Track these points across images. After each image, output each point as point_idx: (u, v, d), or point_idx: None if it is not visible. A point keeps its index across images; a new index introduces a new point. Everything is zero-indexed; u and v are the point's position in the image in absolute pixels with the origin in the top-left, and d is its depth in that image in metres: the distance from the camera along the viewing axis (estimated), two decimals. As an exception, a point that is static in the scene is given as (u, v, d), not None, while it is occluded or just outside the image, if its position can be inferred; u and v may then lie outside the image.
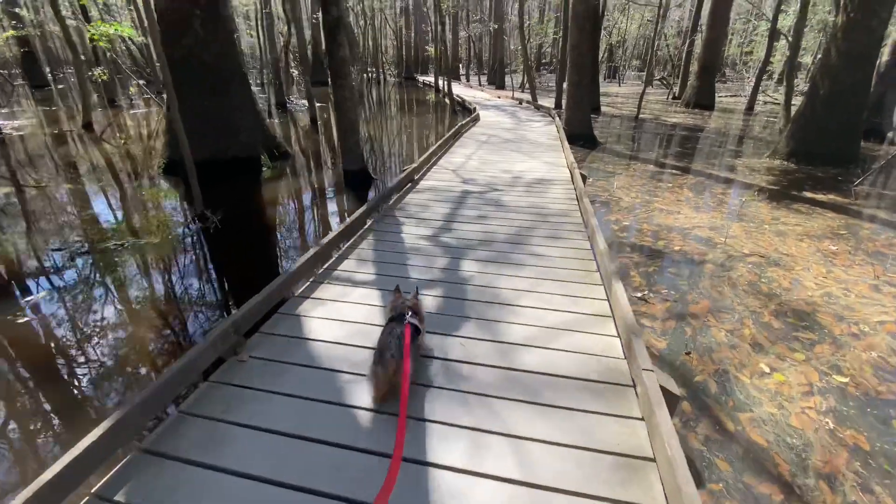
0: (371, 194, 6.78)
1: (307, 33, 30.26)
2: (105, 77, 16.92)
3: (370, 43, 35.72)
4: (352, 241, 4.00)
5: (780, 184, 7.35)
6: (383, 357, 1.86)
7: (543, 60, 42.39)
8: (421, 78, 35.47)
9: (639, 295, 3.75)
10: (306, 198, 6.85)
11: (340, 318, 2.70)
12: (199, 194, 5.58)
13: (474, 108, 14.89)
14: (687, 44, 20.70)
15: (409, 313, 2.09)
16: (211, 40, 7.54)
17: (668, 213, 5.85)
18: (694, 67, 18.46)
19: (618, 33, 30.85)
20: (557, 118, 11.87)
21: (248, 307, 2.49)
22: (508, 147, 8.70)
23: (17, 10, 20.53)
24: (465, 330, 2.55)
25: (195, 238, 5.14)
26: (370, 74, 35.96)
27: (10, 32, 17.12)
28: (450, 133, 9.28)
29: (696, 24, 20.23)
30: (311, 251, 3.32)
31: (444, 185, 5.99)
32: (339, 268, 3.45)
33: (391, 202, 5.22)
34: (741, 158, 9.23)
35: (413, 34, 40.52)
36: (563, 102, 10.55)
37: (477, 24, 33.43)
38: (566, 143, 8.31)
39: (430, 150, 7.44)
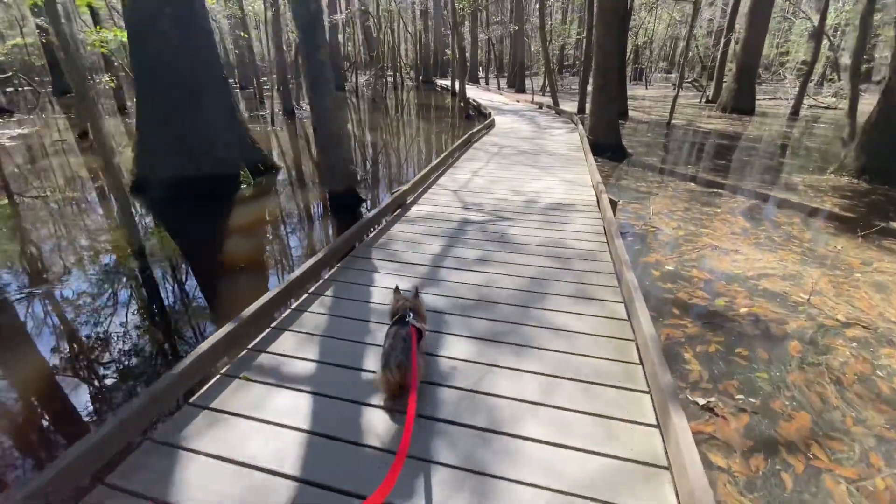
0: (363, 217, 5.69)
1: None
2: (113, 84, 16.41)
3: (387, 46, 34.91)
4: (299, 301, 2.90)
5: (856, 209, 5.95)
6: (389, 362, 1.86)
7: (566, 62, 40.83)
8: (439, 82, 34.46)
9: (701, 402, 2.52)
10: (273, 228, 5.77)
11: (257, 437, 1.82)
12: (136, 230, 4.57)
13: (489, 114, 13.72)
14: (722, 44, 19.05)
15: (411, 315, 2.07)
16: (183, 42, 6.58)
17: (721, 251, 4.56)
18: (730, 69, 16.86)
19: (644, 34, 29.17)
20: (580, 125, 10.59)
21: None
22: (524, 160, 7.51)
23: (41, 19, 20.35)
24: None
25: (119, 283, 4.12)
26: (388, 78, 35.13)
27: (18, 40, 16.73)
28: (457, 143, 8.14)
29: (731, 23, 18.58)
30: (225, 329, 2.25)
31: (442, 212, 4.86)
32: (268, 348, 2.36)
33: (369, 237, 4.13)
34: (799, 175, 7.79)
35: (432, 37, 39.56)
36: (588, 107, 9.26)
37: (497, 25, 32.22)
38: (590, 156, 7.07)
39: (430, 166, 6.32)
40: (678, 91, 13.13)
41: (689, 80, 26.36)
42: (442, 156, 7.03)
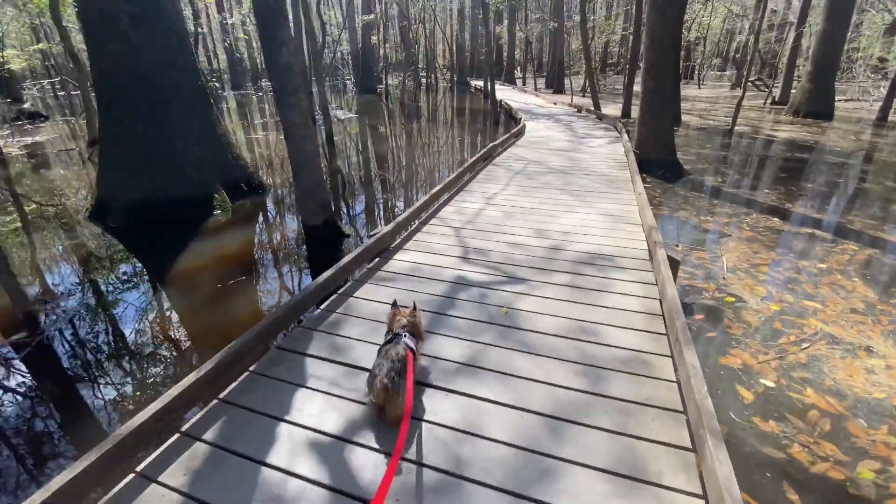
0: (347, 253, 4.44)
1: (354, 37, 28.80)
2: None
3: (422, 46, 33.79)
4: (191, 421, 1.72)
5: None
6: (374, 382, 1.74)
7: (609, 60, 38.34)
8: (473, 82, 33.01)
9: None
10: (221, 276, 4.52)
11: None
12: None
13: (520, 119, 12.20)
14: (791, 38, 16.62)
15: (406, 334, 1.95)
16: (146, 44, 5.54)
17: (845, 348, 2.97)
18: (801, 66, 14.55)
19: (698, 28, 26.49)
20: (625, 134, 8.93)
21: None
22: (553, 181, 6.04)
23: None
24: None
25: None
26: (422, 80, 34.03)
27: (41, 45, 16.67)
28: (473, 159, 6.75)
29: (804, 14, 16.14)
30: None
31: (431, 266, 3.54)
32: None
33: (318, 310, 2.87)
34: (919, 204, 5.91)
35: (468, 37, 38.14)
36: (637, 115, 7.64)
37: (536, 23, 30.40)
38: (639, 180, 5.50)
39: (430, 194, 4.98)
40: (743, 92, 11.13)
41: (754, 78, 23.62)
42: (451, 177, 5.68)
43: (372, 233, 3.89)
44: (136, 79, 5.53)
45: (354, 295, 3.07)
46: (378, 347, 1.94)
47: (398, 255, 3.76)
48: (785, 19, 26.15)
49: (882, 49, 25.51)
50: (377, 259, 3.70)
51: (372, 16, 21.55)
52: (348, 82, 36.30)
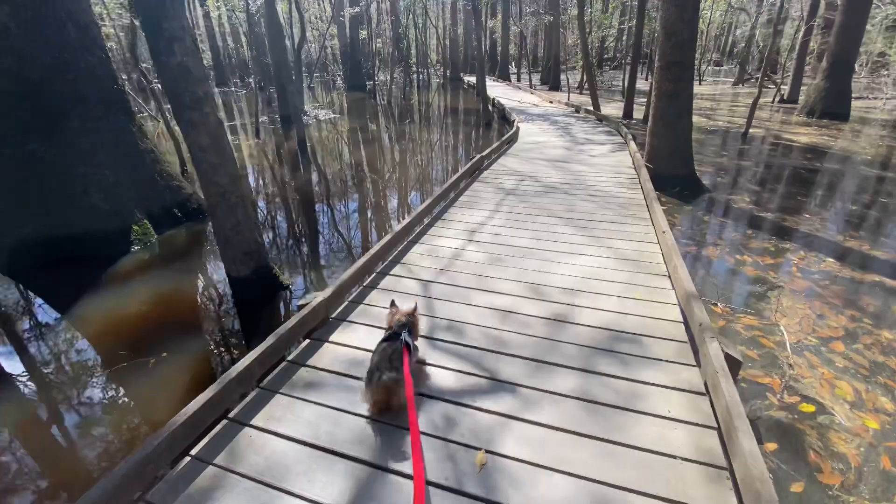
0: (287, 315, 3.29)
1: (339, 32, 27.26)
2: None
3: (413, 41, 32.41)
4: None
5: None
6: (372, 379, 1.82)
7: (606, 55, 37.05)
8: (467, 78, 31.70)
9: None
10: (123, 348, 3.33)
11: None
12: None
13: (514, 121, 11.03)
14: (801, 32, 15.48)
15: (405, 332, 2.00)
16: (35, 41, 4.33)
17: None
18: (814, 63, 13.42)
19: (700, 22, 25.23)
20: (631, 140, 7.79)
21: None
22: (551, 205, 4.89)
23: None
24: None
25: None
26: (413, 76, 32.67)
27: None
28: (455, 177, 5.58)
29: (814, 7, 14.99)
30: None
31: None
32: None
33: (200, 448, 1.74)
34: None
35: (461, 31, 36.73)
36: (649, 121, 6.47)
37: (531, 17, 29.09)
38: (658, 209, 4.36)
39: (396, 231, 3.84)
40: (759, 92, 9.99)
41: (758, 74, 22.42)
42: (424, 205, 4.53)
43: (302, 301, 2.75)
44: (21, 85, 4.32)
45: (252, 423, 1.95)
46: (375, 345, 1.99)
47: (337, 335, 2.64)
48: (786, 15, 24.92)
49: (884, 44, 24.41)
50: (305, 343, 2.57)
51: (357, 9, 20.17)
52: (338, 79, 34.85)
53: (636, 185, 5.72)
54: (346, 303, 2.99)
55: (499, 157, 7.52)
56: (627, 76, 14.07)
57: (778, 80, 17.23)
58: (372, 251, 3.40)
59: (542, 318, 2.79)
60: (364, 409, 1.97)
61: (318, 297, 2.72)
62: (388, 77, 19.89)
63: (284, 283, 3.85)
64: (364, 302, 3.01)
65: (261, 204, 6.70)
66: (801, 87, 15.37)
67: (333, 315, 2.86)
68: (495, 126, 12.98)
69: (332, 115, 15.86)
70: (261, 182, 7.96)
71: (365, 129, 13.57)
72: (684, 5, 5.54)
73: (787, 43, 23.06)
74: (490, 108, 14.56)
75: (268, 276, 3.73)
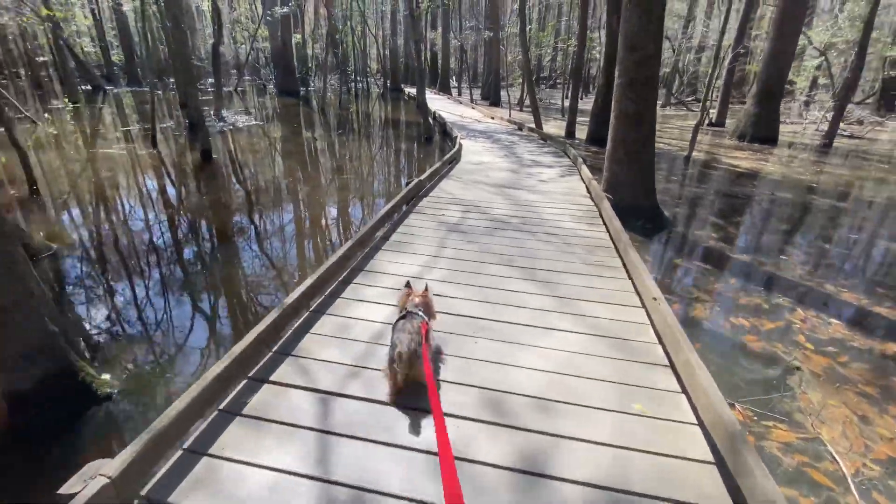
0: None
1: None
2: None
3: (351, 49, 30.95)
4: None
5: None
6: (396, 352, 1.82)
7: (542, 74, 37.64)
8: (407, 90, 30.69)
9: None
10: None
11: None
12: None
13: (456, 137, 10.04)
14: (727, 59, 15.99)
15: (421, 310, 2.07)
16: None
17: None
18: (715, 87, 13.76)
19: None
20: (582, 164, 7.02)
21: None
22: (504, 249, 3.81)
23: None
24: None
25: None
26: (352, 84, 31.12)
27: None
28: (386, 209, 4.36)
29: (741, 34, 15.54)
30: None
31: None
32: None
33: None
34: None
35: (401, 42, 35.75)
36: (609, 148, 5.63)
37: (470, 31, 28.70)
38: (635, 260, 3.40)
39: (286, 305, 2.56)
40: (702, 116, 9.76)
41: (688, 98, 23.36)
42: (342, 251, 3.28)
43: (68, 489, 1.42)
44: None
45: None
46: (392, 325, 2.05)
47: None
48: (704, 42, 26.31)
49: (792, 73, 26.44)
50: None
51: (287, 9, 18.43)
52: (270, 83, 32.47)
53: (597, 220, 4.83)
54: (168, 465, 1.68)
55: (440, 179, 6.42)
56: (569, 94, 13.68)
57: (706, 104, 17.75)
58: (242, 346, 2.11)
59: (505, 468, 1.67)
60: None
61: (97, 483, 1.41)
62: (323, 83, 18.27)
63: (102, 392, 2.42)
64: (234, 424, 1.73)
65: (106, 252, 5.07)
66: (726, 111, 15.86)
67: (149, 489, 1.56)
68: (437, 142, 11.95)
69: (254, 122, 14.05)
70: (120, 213, 6.10)
71: (290, 138, 11.97)
72: (649, 14, 4.77)
73: (707, 69, 24.34)
74: (431, 121, 13.55)
75: (69, 384, 2.29)
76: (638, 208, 5.37)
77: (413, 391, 1.96)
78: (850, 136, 14.17)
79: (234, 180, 7.70)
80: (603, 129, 11.39)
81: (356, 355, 2.36)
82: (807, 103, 24.42)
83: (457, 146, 8.60)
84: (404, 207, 4.96)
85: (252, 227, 5.55)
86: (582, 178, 6.71)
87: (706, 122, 16.65)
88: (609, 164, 5.53)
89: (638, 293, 3.18)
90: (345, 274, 3.26)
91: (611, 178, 5.54)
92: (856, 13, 21.90)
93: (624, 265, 3.68)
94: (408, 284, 2.31)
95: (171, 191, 7.02)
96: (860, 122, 15.62)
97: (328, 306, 2.86)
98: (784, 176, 8.64)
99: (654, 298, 2.83)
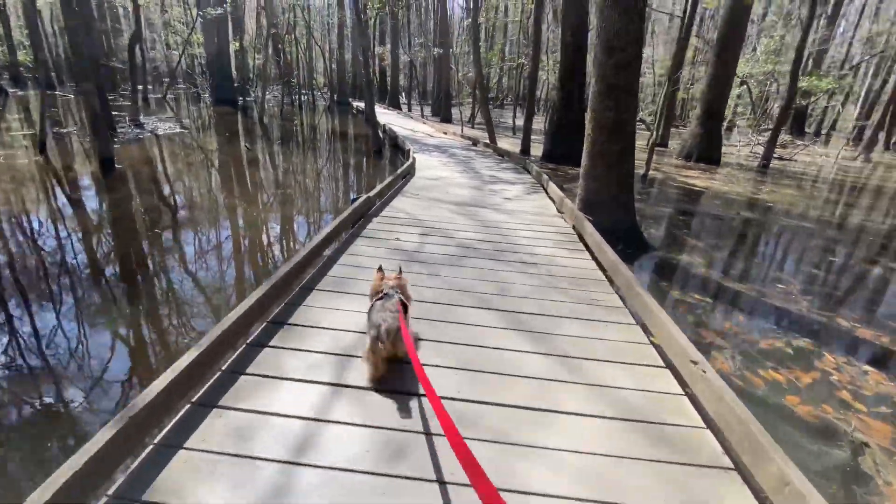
0: None
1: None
2: None
3: (296, 60, 29.50)
4: None
5: None
6: (380, 332, 1.77)
7: (489, 95, 37.90)
8: (355, 103, 29.63)
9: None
10: None
11: None
12: None
13: (408, 150, 9.17)
14: (667, 83, 16.45)
15: (397, 291, 2.04)
16: None
17: None
18: (654, 108, 14.04)
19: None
20: (548, 180, 6.37)
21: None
22: (475, 284, 2.90)
23: None
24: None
25: None
26: (300, 97, 29.59)
27: None
28: (328, 231, 3.36)
29: (680, 59, 16.03)
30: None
31: None
32: None
33: None
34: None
35: (349, 57, 34.72)
36: (584, 162, 4.93)
37: (419, 47, 28.27)
38: (651, 303, 2.64)
39: (154, 397, 1.48)
40: (654, 136, 9.58)
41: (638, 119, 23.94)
42: (247, 304, 2.23)
43: None
44: None
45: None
46: (370, 305, 1.98)
47: None
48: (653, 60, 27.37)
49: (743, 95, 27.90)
50: None
51: (220, 10, 16.86)
52: (206, 91, 30.16)
53: (578, 245, 4.10)
54: None
55: (393, 196, 5.47)
56: (523, 111, 13.33)
57: (653, 125, 18.17)
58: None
59: None
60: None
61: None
62: (261, 92, 16.84)
63: None
64: None
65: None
66: (669, 133, 16.23)
67: None
68: (387, 155, 11.02)
69: (178, 130, 12.40)
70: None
71: (217, 149, 10.54)
72: (630, 13, 4.18)
73: (650, 91, 25.33)
74: (380, 133, 12.61)
75: None
76: (617, 229, 4.72)
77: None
78: (780, 158, 14.86)
79: (135, 194, 6.29)
80: (559, 147, 11.06)
81: (270, 479, 1.35)
82: (729, 128, 26.05)
83: (410, 159, 7.72)
84: (350, 230, 3.96)
85: (144, 258, 4.29)
86: (550, 196, 6.04)
87: (649, 141, 16.99)
88: (585, 181, 4.86)
89: (654, 344, 2.42)
90: (253, 337, 2.22)
91: (587, 197, 4.86)
92: (770, 48, 23.74)
93: (622, 298, 2.94)
94: (380, 269, 2.25)
95: (49, 207, 5.54)
96: (783, 146, 16.54)
97: (219, 398, 1.81)
98: (739, 195, 8.53)
99: (694, 362, 2.04)
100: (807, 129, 27.81)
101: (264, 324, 2.32)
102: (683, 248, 5.12)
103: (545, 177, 6.70)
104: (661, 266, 4.54)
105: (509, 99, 35.18)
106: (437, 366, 2.09)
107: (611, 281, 3.28)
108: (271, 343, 2.16)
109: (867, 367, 2.89)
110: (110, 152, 6.73)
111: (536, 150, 11.68)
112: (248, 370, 1.96)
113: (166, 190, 6.62)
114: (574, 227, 4.55)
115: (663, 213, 6.90)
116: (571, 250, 3.95)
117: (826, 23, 26.10)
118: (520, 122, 20.79)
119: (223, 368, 1.95)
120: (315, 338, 2.24)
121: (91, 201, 5.86)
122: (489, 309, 2.68)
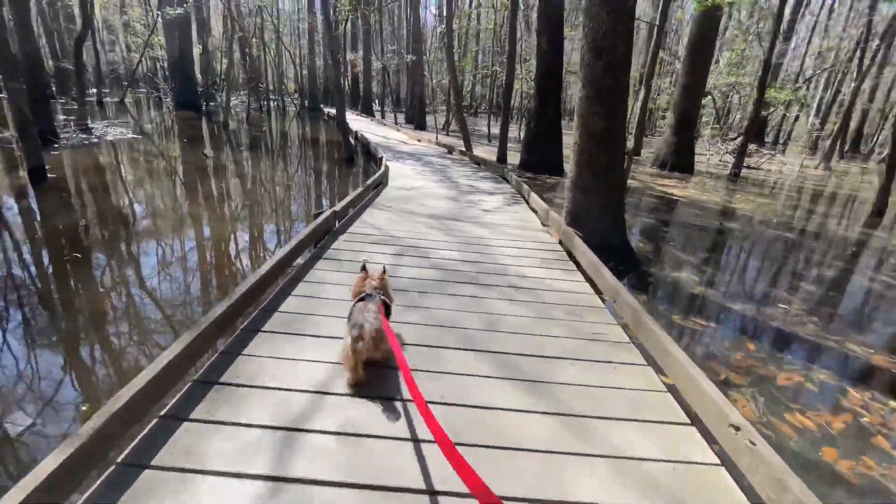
0: None
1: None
2: None
3: (265, 65, 28.56)
4: None
5: None
6: (362, 332, 1.71)
7: (463, 103, 37.77)
8: (327, 110, 28.89)
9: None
10: None
11: None
12: None
13: (381, 158, 8.65)
14: (642, 91, 16.57)
15: (379, 292, 2.00)
16: None
17: None
18: (659, 119, 14.09)
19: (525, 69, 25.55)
20: (530, 191, 6.01)
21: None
22: (459, 319, 2.38)
23: None
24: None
25: None
26: (270, 102, 28.61)
27: None
28: (274, 260, 2.80)
29: (652, 69, 16.15)
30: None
31: None
32: None
33: None
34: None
35: (321, 63, 33.94)
36: (572, 172, 4.54)
37: (392, 54, 27.85)
38: (668, 343, 2.23)
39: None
40: (636, 144, 9.42)
41: None
42: (180, 347, 1.68)
43: None
44: None
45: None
46: (350, 310, 1.91)
47: None
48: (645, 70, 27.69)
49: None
50: None
51: (180, 11, 15.92)
52: (169, 95, 28.80)
53: (568, 265, 3.70)
54: None
55: (363, 209, 4.96)
56: (499, 117, 13.06)
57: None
58: None
59: None
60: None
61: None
62: (225, 97, 16.00)
63: None
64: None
65: None
66: (642, 142, 16.31)
67: None
68: (360, 163, 10.47)
69: (131, 136, 11.47)
70: None
71: (175, 157, 9.75)
72: (620, 12, 3.84)
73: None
74: (352, 140, 12.05)
75: None
76: (607, 245, 4.35)
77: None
78: (748, 167, 15.11)
79: (64, 207, 5.53)
80: (535, 155, 10.78)
81: None
82: (694, 137, 26.65)
83: (383, 167, 7.22)
84: (311, 251, 3.43)
85: (52, 288, 3.62)
86: (532, 208, 5.65)
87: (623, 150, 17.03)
88: (572, 193, 4.48)
89: (667, 384, 2.01)
90: (168, 408, 1.67)
91: (574, 210, 4.48)
92: (733, 60, 24.44)
93: (625, 329, 2.53)
94: (363, 267, 2.18)
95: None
96: (749, 155, 16.88)
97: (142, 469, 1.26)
98: (717, 204, 8.41)
99: (735, 428, 1.63)
100: (766, 139, 28.84)
101: (188, 384, 1.77)
102: (674, 265, 4.81)
103: (526, 187, 6.33)
104: (653, 284, 4.20)
105: (483, 107, 35.13)
106: (414, 439, 1.60)
107: (614, 312, 2.88)
108: (192, 415, 1.62)
109: (893, 403, 2.57)
110: (40, 160, 5.93)
111: (513, 158, 11.39)
112: (152, 462, 1.42)
113: (103, 203, 5.87)
114: (561, 243, 4.16)
115: (645, 223, 6.64)
116: (563, 271, 3.54)
117: (782, 38, 27.26)
118: (495, 129, 20.59)
119: (119, 461, 1.41)
120: (254, 404, 1.71)
121: (13, 214, 5.09)
122: (476, 350, 2.21)
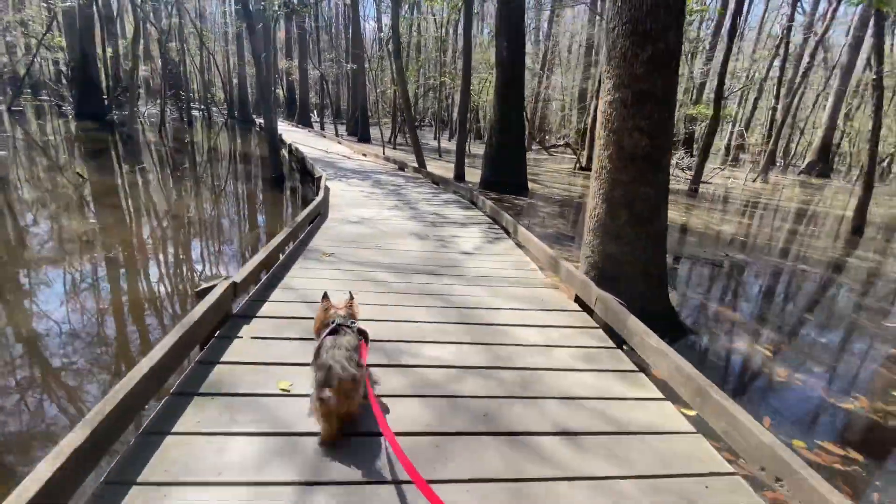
0: None
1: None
2: None
3: (186, 72, 25.41)
4: None
5: None
6: (331, 378, 1.30)
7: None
8: (259, 121, 26.24)
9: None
10: None
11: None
12: None
13: (319, 178, 6.87)
14: (593, 107, 16.06)
15: (353, 322, 1.60)
16: None
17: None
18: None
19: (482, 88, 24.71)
20: (518, 226, 4.62)
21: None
22: None
23: None
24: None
25: None
26: (194, 112, 25.42)
27: None
28: (106, 411, 1.13)
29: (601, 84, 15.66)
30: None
31: None
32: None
33: None
34: None
35: (253, 69, 31.08)
36: (598, 211, 3.14)
37: (331, 63, 25.88)
38: None
39: None
40: (581, 159, 8.42)
41: (562, 143, 23.61)
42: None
43: None
44: None
45: None
46: (319, 342, 1.49)
47: None
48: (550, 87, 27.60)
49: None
50: None
51: (69, 3, 13.09)
52: (70, 104, 24.73)
53: (617, 354, 2.31)
54: None
55: (290, 260, 3.27)
56: (447, 131, 11.74)
57: (579, 151, 17.70)
58: None
59: None
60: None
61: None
62: (130, 105, 13.37)
63: None
64: None
65: None
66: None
67: None
68: (294, 184, 8.62)
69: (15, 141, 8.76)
70: None
71: (34, 180, 7.34)
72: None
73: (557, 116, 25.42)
74: (286, 154, 10.12)
75: None
76: (650, 312, 3.00)
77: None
78: (703, 182, 14.93)
79: None
80: (499, 173, 9.45)
81: None
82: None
83: (322, 193, 5.50)
84: (173, 379, 1.74)
85: None
86: (518, 243, 4.26)
87: (577, 166, 16.41)
88: (601, 240, 3.09)
89: None
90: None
91: (602, 263, 3.09)
92: (685, 76, 25.07)
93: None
94: (325, 297, 1.77)
95: None
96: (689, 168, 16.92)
97: None
98: (704, 227, 7.56)
99: None
100: (693, 154, 30.22)
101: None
102: (719, 324, 3.59)
103: (508, 217, 4.93)
104: (720, 368, 2.91)
105: (427, 120, 33.90)
106: None
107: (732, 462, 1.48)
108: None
109: None
110: None
111: (470, 175, 10.08)
112: None
113: None
114: (582, 305, 2.76)
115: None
116: (617, 373, 2.12)
117: (704, 59, 28.72)
118: (445, 143, 19.32)
119: None
120: None
121: None
122: None
